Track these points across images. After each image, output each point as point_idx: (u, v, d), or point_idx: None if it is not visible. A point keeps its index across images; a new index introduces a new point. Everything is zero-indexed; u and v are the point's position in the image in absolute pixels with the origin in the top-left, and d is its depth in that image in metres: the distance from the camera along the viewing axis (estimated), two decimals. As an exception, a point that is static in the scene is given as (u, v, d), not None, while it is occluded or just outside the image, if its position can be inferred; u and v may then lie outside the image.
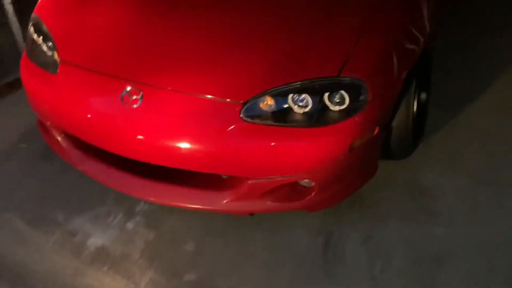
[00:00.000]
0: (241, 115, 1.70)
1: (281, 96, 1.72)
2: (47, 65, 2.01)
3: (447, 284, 1.79)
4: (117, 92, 1.80)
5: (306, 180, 1.81)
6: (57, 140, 2.10)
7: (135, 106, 1.77)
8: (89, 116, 1.84)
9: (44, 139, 2.21)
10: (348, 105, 1.72)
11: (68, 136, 2.07)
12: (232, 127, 1.71)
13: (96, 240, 1.98)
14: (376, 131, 1.84)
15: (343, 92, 1.71)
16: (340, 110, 1.72)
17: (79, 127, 1.90)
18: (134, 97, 1.77)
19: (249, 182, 1.79)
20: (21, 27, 3.03)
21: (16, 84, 2.95)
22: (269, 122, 1.72)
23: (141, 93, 1.77)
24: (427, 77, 2.34)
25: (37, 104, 2.05)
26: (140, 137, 1.76)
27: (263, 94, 1.71)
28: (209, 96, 1.74)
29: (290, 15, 1.95)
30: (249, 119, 1.70)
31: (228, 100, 1.72)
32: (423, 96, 2.29)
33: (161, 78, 1.79)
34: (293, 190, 1.86)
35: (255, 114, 1.72)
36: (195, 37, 1.90)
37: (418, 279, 1.81)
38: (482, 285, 1.78)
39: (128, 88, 1.78)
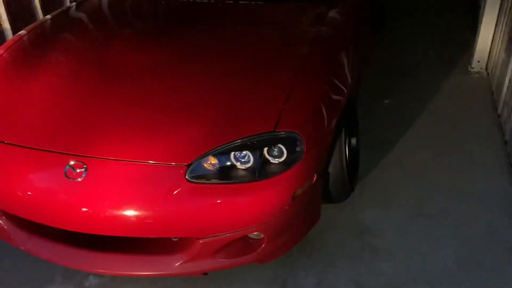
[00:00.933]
0: (186, 177, 1.77)
1: (223, 154, 1.81)
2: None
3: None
4: (60, 168, 1.81)
5: (256, 233, 1.88)
6: (-3, 222, 2.05)
7: (79, 179, 1.79)
8: (33, 194, 1.83)
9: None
10: (286, 157, 1.83)
11: (8, 217, 2.03)
12: (178, 190, 1.76)
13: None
14: (314, 179, 1.96)
15: (280, 145, 1.83)
16: (279, 163, 1.83)
17: (23, 206, 1.86)
18: (78, 170, 1.79)
19: (200, 241, 1.83)
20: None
21: None
22: (214, 180, 1.79)
23: (85, 166, 1.79)
24: (355, 123, 2.54)
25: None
26: (88, 210, 1.76)
27: (206, 154, 1.79)
28: (153, 162, 1.79)
29: (223, 78, 2.08)
30: (194, 180, 1.77)
31: (172, 163, 1.79)
32: (353, 141, 2.47)
33: (103, 149, 1.83)
34: (244, 245, 1.91)
35: (200, 175, 1.79)
36: (134, 104, 1.97)
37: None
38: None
39: (72, 162, 1.80)
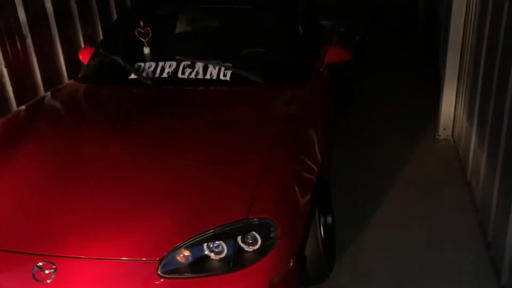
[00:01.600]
0: (158, 272, 1.73)
1: (196, 246, 1.79)
2: None
3: None
4: (27, 269, 1.75)
5: (232, 327, 1.81)
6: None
7: (48, 281, 1.73)
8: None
9: None
10: (260, 245, 1.82)
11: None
12: (151, 287, 1.71)
13: None
14: (291, 264, 1.94)
15: (254, 233, 1.82)
16: (254, 250, 1.82)
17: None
18: (47, 271, 1.73)
19: None
20: None
21: None
22: (188, 274, 1.76)
23: (54, 266, 1.74)
24: (328, 201, 2.55)
25: None
26: (57, 313, 1.69)
27: (178, 247, 1.77)
28: (124, 258, 1.75)
29: (192, 166, 2.08)
30: (167, 275, 1.73)
31: (143, 259, 1.75)
32: (329, 219, 2.48)
33: (73, 247, 1.78)
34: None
35: (173, 269, 1.75)
36: (103, 198, 1.95)
37: None
38: None
39: (40, 264, 1.75)
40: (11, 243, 1.83)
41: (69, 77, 4.22)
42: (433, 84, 4.60)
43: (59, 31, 4.18)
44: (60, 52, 4.22)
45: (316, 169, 2.28)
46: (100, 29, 4.85)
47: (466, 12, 3.58)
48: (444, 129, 3.96)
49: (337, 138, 3.34)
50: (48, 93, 3.04)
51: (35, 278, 1.73)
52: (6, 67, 3.58)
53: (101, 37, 4.72)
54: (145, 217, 1.86)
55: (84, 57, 3.31)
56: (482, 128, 2.90)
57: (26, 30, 3.81)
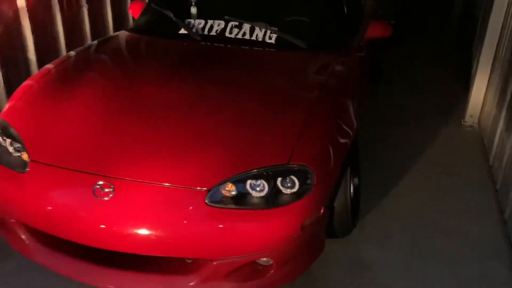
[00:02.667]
0: (206, 201, 1.92)
1: (240, 182, 1.97)
2: (14, 165, 2.14)
3: None
4: (89, 187, 1.95)
5: (265, 259, 2.01)
6: (19, 237, 2.16)
7: (106, 198, 1.93)
8: (62, 211, 1.97)
9: (2, 235, 2.26)
10: (298, 189, 1.99)
11: (31, 233, 2.15)
12: (197, 213, 1.91)
13: (61, 334, 1.99)
14: (322, 211, 2.11)
15: (293, 177, 1.99)
16: (291, 193, 1.99)
17: (51, 223, 1.99)
18: (106, 190, 1.94)
19: (214, 263, 1.95)
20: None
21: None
22: (230, 206, 1.94)
23: (113, 186, 1.94)
24: (357, 164, 2.72)
25: (1, 200, 2.12)
26: (113, 227, 1.90)
27: (225, 181, 1.95)
28: (176, 185, 1.95)
29: (242, 114, 2.26)
30: (212, 204, 1.92)
31: (193, 188, 1.94)
32: (356, 181, 2.64)
33: (131, 171, 1.98)
34: (253, 270, 2.04)
35: (218, 200, 1.94)
36: (161, 132, 2.14)
37: None
38: None
39: (100, 182, 1.95)
40: (78, 164, 2.04)
41: (115, 29, 4.42)
42: (462, 75, 4.68)
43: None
44: (108, 4, 4.40)
45: (351, 133, 2.43)
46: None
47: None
48: (471, 116, 4.07)
49: (365, 113, 3.48)
50: (102, 39, 3.23)
51: (95, 195, 1.94)
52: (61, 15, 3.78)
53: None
54: (197, 152, 2.05)
55: (134, 10, 3.48)
56: (511, 114, 3.02)
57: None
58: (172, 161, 2.02)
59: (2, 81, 3.34)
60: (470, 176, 3.26)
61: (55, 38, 3.83)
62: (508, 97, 3.15)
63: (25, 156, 2.14)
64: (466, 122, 4.09)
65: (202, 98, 2.38)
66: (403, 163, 3.40)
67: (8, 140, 2.21)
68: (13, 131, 2.23)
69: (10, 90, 3.34)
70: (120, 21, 4.61)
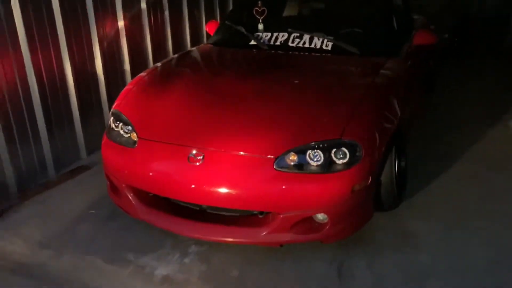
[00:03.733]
0: (274, 166, 2.43)
1: (301, 153, 2.46)
2: (126, 143, 2.76)
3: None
4: (184, 156, 2.53)
5: (322, 215, 2.48)
6: (128, 198, 2.77)
7: (198, 164, 2.49)
8: (164, 174, 2.56)
9: (114, 201, 2.89)
10: (348, 159, 2.46)
11: (136, 195, 2.74)
12: (268, 175, 2.42)
13: (161, 271, 2.55)
14: (369, 181, 2.56)
15: (344, 149, 2.46)
16: (343, 163, 2.46)
17: (155, 183, 2.59)
18: (198, 157, 2.50)
19: (281, 216, 2.45)
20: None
21: (77, 171, 3.69)
22: (293, 171, 2.44)
23: (203, 154, 2.51)
24: (404, 149, 3.12)
25: (117, 169, 2.75)
26: (204, 186, 2.46)
27: (289, 151, 2.46)
28: (251, 154, 2.48)
29: (302, 101, 2.78)
30: (279, 169, 2.43)
31: (264, 156, 2.46)
32: (402, 163, 3.05)
33: (217, 143, 2.54)
34: (313, 225, 2.52)
35: (284, 166, 2.44)
36: (238, 115, 2.71)
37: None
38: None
39: (194, 152, 2.52)
40: (176, 139, 2.62)
41: (192, 46, 5.12)
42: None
43: (188, 9, 5.09)
44: (187, 25, 5.12)
45: (395, 121, 2.86)
46: (217, 9, 5.73)
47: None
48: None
49: (420, 115, 3.87)
50: (189, 50, 3.91)
51: (189, 161, 2.51)
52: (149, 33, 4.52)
53: (225, 13, 5.63)
54: (267, 129, 2.58)
55: (210, 28, 4.14)
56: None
57: (166, 5, 4.73)
58: (247, 136, 2.57)
59: (104, 87, 4.07)
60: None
61: (145, 53, 4.55)
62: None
63: (134, 136, 2.76)
64: (513, 123, 4.36)
65: (270, 91, 2.94)
66: (454, 158, 3.75)
67: (121, 124, 2.85)
68: (124, 117, 2.87)
69: (109, 94, 4.08)
70: (196, 38, 5.31)
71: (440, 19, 5.53)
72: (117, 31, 4.17)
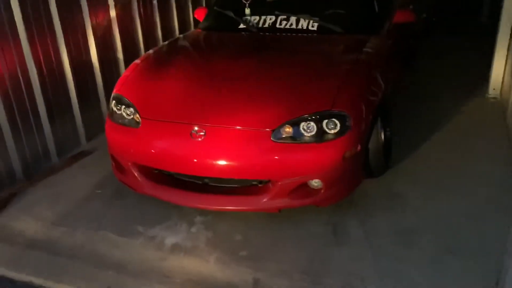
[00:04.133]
0: (271, 138, 2.64)
1: (295, 125, 2.67)
2: (130, 123, 2.94)
3: (420, 244, 2.62)
4: (187, 132, 2.72)
5: (317, 180, 2.70)
6: (134, 176, 2.95)
7: (200, 139, 2.69)
8: (168, 150, 2.76)
9: (120, 179, 3.07)
10: (339, 129, 2.68)
11: (142, 172, 2.93)
12: (266, 146, 2.63)
13: (171, 239, 2.76)
14: (358, 148, 2.79)
15: (335, 119, 2.68)
16: (334, 133, 2.68)
17: (161, 159, 2.78)
18: (200, 133, 2.69)
19: (279, 183, 2.67)
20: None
21: (79, 156, 3.85)
22: (289, 141, 2.65)
23: (204, 130, 2.70)
24: (389, 120, 3.35)
25: (123, 149, 2.94)
26: (206, 159, 2.66)
27: (284, 124, 2.66)
28: (250, 128, 2.68)
29: (294, 77, 2.98)
30: (276, 140, 2.64)
31: (262, 129, 2.67)
32: (388, 132, 3.29)
33: (217, 119, 2.74)
34: (309, 190, 2.74)
35: (280, 137, 2.65)
36: (236, 93, 2.91)
37: (399, 242, 2.64)
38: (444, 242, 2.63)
39: (196, 128, 2.71)
40: (178, 117, 2.81)
41: (180, 33, 5.28)
42: (489, 59, 5.22)
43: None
44: (174, 13, 5.28)
45: (379, 93, 3.09)
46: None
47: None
48: (494, 89, 4.61)
49: (399, 86, 4.11)
50: (183, 35, 4.11)
51: (191, 137, 2.70)
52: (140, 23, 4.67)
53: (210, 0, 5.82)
54: (263, 104, 2.79)
55: (199, 15, 4.31)
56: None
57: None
58: (245, 112, 2.77)
59: (100, 76, 4.22)
60: (489, 134, 3.83)
61: (136, 41, 4.70)
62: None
63: (136, 117, 2.93)
64: (490, 94, 4.63)
65: (263, 69, 3.14)
66: (434, 126, 4.01)
67: (123, 107, 3.02)
68: (125, 100, 3.04)
69: (105, 82, 4.23)
70: (183, 26, 5.46)
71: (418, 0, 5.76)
72: (110, 21, 4.30)
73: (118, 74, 4.37)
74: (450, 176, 3.28)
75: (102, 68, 4.22)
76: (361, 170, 2.98)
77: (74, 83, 3.92)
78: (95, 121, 4.16)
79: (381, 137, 3.08)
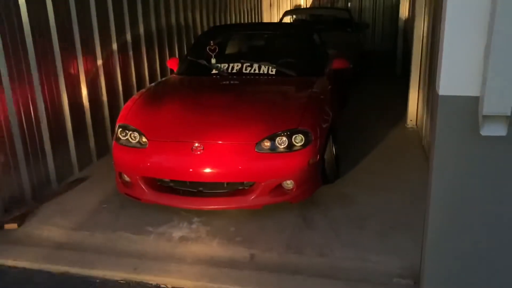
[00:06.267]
0: (255, 149, 3.49)
1: (272, 139, 3.55)
2: (135, 145, 3.67)
3: (369, 225, 3.52)
4: (189, 147, 3.50)
5: (290, 181, 3.55)
6: (141, 187, 3.64)
7: (199, 152, 3.47)
8: (174, 163, 3.52)
9: (124, 192, 3.75)
10: (304, 142, 3.58)
11: (147, 184, 3.63)
12: (251, 156, 3.47)
13: (177, 233, 3.45)
14: (318, 157, 3.70)
15: (300, 135, 3.59)
16: (300, 145, 3.58)
17: (168, 171, 3.53)
18: (200, 148, 3.48)
19: (262, 184, 3.49)
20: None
21: (76, 182, 4.43)
22: (268, 151, 3.51)
23: (203, 146, 3.49)
24: (336, 138, 4.32)
25: (131, 166, 3.64)
26: (205, 168, 3.45)
27: (264, 138, 3.53)
28: (238, 142, 3.52)
29: (266, 105, 3.92)
30: (258, 151, 3.49)
31: (247, 143, 3.51)
32: (336, 148, 4.25)
33: (213, 137, 3.56)
34: (283, 190, 3.59)
35: (261, 149, 3.51)
36: (225, 117, 3.77)
37: (354, 225, 3.53)
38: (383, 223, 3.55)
39: (196, 144, 3.50)
40: (180, 137, 3.60)
41: (150, 82, 6.07)
42: (404, 99, 6.51)
43: (146, 52, 6.07)
44: (145, 63, 6.10)
45: (329, 118, 4.08)
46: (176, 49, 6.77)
47: (421, 43, 5.51)
48: (411, 120, 5.81)
49: (340, 119, 5.16)
50: (165, 78, 4.97)
51: (192, 151, 3.48)
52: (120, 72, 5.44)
53: (172, 51, 6.76)
54: (247, 124, 3.66)
55: (172, 64, 5.19)
56: (429, 114, 4.74)
57: (130, 49, 5.69)
58: (234, 131, 3.62)
59: (90, 115, 4.88)
60: (411, 153, 4.95)
61: (116, 86, 5.43)
62: (429, 105, 4.90)
63: (142, 139, 3.67)
64: (408, 125, 5.82)
65: (241, 99, 4.09)
66: (369, 148, 5.08)
67: (129, 133, 3.74)
68: (131, 127, 3.77)
69: (94, 120, 4.89)
70: (152, 73, 6.29)
71: (344, 53, 7.02)
72: (97, 69, 5.03)
73: (103, 114, 5.08)
74: (383, 181, 4.27)
75: (91, 108, 4.89)
76: (320, 176, 3.88)
77: (70, 121, 4.56)
78: (86, 153, 4.78)
79: (333, 150, 4.03)
